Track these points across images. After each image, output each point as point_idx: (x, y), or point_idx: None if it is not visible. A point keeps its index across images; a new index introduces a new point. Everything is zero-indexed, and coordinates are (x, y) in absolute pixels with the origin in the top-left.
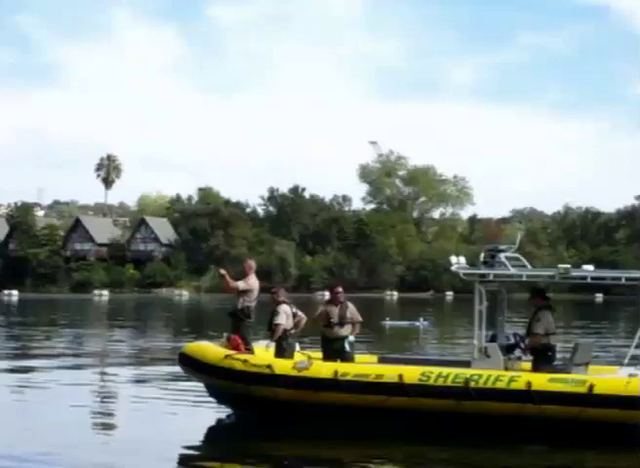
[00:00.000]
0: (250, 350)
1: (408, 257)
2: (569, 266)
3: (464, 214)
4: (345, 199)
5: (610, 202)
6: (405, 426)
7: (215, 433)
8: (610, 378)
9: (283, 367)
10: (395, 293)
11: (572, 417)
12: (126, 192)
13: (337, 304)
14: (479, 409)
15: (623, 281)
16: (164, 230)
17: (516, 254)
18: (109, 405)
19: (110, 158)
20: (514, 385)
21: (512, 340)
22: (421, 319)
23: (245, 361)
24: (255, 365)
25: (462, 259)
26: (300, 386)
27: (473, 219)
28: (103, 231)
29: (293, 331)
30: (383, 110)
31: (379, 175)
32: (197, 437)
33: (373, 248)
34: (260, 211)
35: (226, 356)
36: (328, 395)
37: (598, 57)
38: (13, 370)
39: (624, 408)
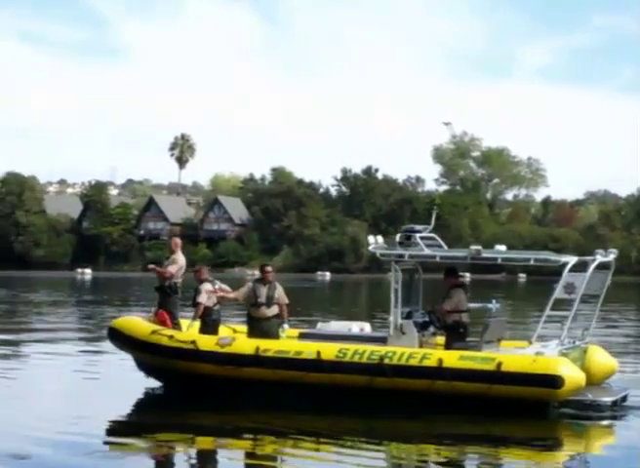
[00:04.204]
0: (177, 325)
1: (481, 239)
2: (480, 247)
3: (538, 195)
4: (419, 180)
5: None
6: (323, 401)
7: (143, 404)
8: (517, 356)
9: (207, 343)
10: (467, 275)
11: (481, 393)
12: (199, 172)
13: (265, 284)
14: (393, 386)
15: (532, 262)
16: (237, 210)
17: (432, 234)
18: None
19: (184, 137)
20: (426, 362)
21: (427, 318)
22: (494, 301)
23: (171, 336)
24: (180, 340)
25: (380, 239)
26: (222, 362)
27: (547, 201)
28: (177, 210)
29: (217, 307)
30: (458, 91)
31: (452, 157)
32: (126, 408)
33: (446, 229)
34: (333, 191)
35: (153, 331)
36: (250, 370)
37: None
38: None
39: (531, 385)
